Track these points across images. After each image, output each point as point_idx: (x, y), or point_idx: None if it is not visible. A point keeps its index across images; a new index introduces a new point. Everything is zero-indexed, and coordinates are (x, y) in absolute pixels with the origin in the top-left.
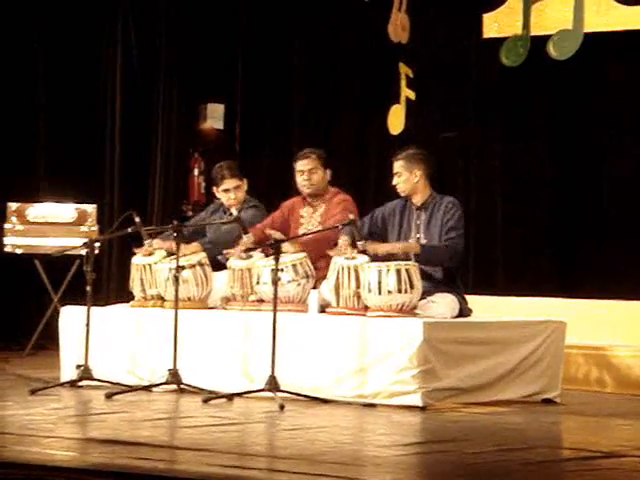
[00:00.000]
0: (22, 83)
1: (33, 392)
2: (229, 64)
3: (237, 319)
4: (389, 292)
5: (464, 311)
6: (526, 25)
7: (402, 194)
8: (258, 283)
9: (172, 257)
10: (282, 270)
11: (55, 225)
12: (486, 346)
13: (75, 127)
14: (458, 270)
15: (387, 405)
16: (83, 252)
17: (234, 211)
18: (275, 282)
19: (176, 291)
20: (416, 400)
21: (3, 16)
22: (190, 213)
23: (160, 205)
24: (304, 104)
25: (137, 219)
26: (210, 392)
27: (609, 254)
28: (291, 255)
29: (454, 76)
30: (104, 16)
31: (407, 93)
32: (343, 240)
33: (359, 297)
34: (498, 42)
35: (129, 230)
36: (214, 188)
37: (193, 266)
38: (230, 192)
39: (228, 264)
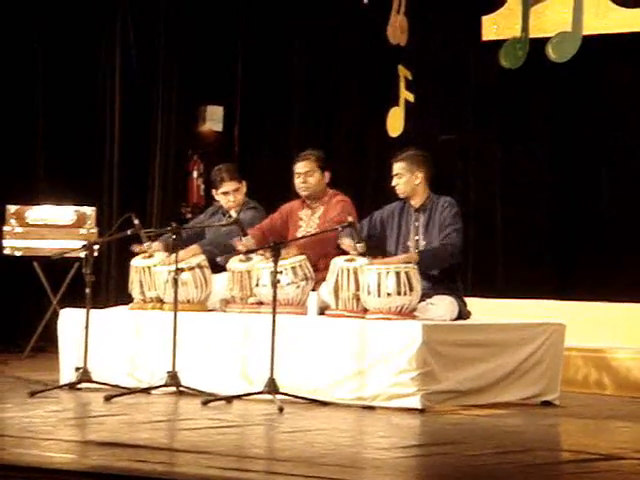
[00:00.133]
0: (21, 84)
1: (32, 394)
2: (228, 66)
3: (236, 321)
4: (388, 294)
5: (463, 313)
6: (525, 27)
7: (401, 195)
8: (257, 285)
9: (172, 260)
10: (281, 272)
11: (54, 227)
12: (485, 348)
13: (74, 129)
14: (459, 268)
15: (386, 407)
16: (82, 254)
17: (233, 213)
18: (274, 284)
19: (175, 293)
20: (415, 402)
21: (2, 16)
22: (189, 215)
23: (159, 207)
24: (303, 106)
25: (136, 221)
26: (209, 394)
27: (608, 256)
28: (290, 257)
29: (453, 78)
30: (103, 16)
31: (406, 95)
32: (348, 242)
33: (358, 299)
34: (497, 44)
35: (128, 232)
36: (213, 190)
37: (192, 268)
38: (229, 195)
39: (227, 266)
